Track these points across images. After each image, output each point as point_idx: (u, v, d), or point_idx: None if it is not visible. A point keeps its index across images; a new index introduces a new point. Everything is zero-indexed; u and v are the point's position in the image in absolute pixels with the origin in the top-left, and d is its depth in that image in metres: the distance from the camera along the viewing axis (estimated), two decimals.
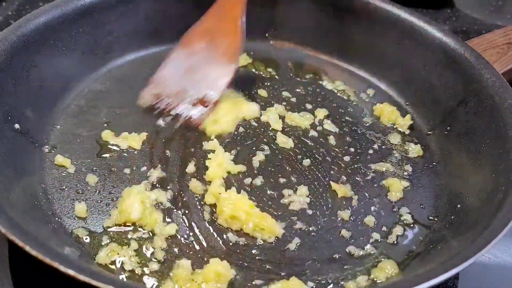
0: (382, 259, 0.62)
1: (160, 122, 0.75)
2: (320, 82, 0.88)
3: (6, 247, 0.61)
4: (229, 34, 0.79)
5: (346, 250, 0.63)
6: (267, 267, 0.60)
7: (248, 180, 0.69)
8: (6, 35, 0.70)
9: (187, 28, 0.89)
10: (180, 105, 0.76)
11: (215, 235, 0.62)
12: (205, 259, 0.59)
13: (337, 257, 0.62)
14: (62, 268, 0.46)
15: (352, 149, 0.76)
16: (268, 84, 0.87)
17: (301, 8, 0.91)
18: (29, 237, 0.50)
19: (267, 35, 0.94)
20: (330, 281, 0.59)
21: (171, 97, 0.76)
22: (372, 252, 0.63)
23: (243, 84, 0.85)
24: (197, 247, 0.61)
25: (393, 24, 0.85)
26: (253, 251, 0.61)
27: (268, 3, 0.92)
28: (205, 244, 0.61)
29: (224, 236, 0.62)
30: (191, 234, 0.62)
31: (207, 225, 0.63)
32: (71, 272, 0.46)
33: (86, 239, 0.60)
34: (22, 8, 1.04)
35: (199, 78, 0.78)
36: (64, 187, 0.66)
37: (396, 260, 0.62)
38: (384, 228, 0.66)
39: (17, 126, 0.67)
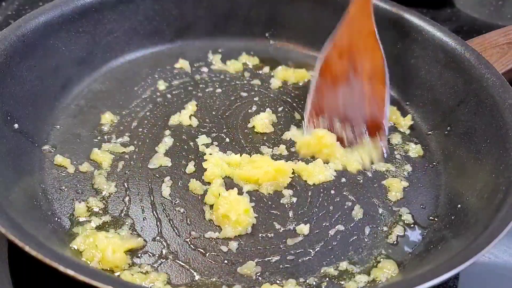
0: (382, 259, 0.62)
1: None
2: None
3: (6, 247, 0.61)
4: (367, 52, 0.75)
5: (346, 249, 0.63)
6: (265, 267, 0.60)
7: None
8: (6, 35, 0.70)
9: (187, 28, 0.90)
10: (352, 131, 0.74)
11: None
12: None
13: (337, 256, 0.62)
14: (61, 268, 0.46)
15: None
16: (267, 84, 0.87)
17: (301, 8, 0.91)
18: (28, 237, 0.50)
19: (267, 35, 0.94)
20: (330, 281, 0.59)
21: (333, 125, 0.74)
22: (372, 252, 0.63)
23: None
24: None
25: (393, 24, 0.84)
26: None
27: (268, 3, 0.92)
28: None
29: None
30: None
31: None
32: (70, 272, 0.46)
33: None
34: (22, 8, 1.04)
35: (357, 105, 0.74)
36: (63, 187, 0.66)
37: (396, 260, 0.62)
38: (384, 228, 0.66)
39: (16, 126, 0.67)
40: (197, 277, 0.58)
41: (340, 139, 0.73)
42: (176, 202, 0.66)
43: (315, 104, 0.75)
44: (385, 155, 0.74)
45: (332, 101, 0.75)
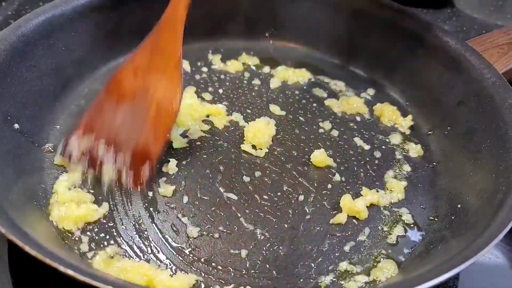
0: (382, 259, 0.62)
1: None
2: (320, 82, 0.88)
3: (5, 247, 0.61)
4: (165, 74, 0.67)
5: (346, 249, 0.63)
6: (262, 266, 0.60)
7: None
8: (6, 35, 0.70)
9: (187, 28, 0.90)
10: (114, 159, 0.64)
11: None
12: None
13: (337, 256, 0.62)
14: (61, 268, 0.46)
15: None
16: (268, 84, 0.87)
17: (301, 8, 0.91)
18: (28, 238, 0.50)
19: (267, 35, 0.94)
20: (329, 281, 0.59)
21: (102, 149, 0.64)
22: (372, 252, 0.63)
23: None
24: None
25: (393, 24, 0.85)
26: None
27: (268, 3, 0.92)
28: None
29: None
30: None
31: None
32: (70, 272, 0.46)
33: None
34: (22, 8, 1.04)
35: (134, 129, 0.65)
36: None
37: (396, 260, 0.62)
38: (384, 228, 0.66)
39: (16, 126, 0.67)
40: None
41: (93, 162, 0.65)
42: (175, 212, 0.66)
43: (88, 120, 0.66)
44: (131, 188, 0.65)
45: (108, 121, 0.65)
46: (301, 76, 0.88)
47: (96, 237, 0.61)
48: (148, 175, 0.65)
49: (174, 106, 0.67)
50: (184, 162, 0.71)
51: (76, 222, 0.61)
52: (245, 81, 0.87)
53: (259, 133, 0.74)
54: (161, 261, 0.59)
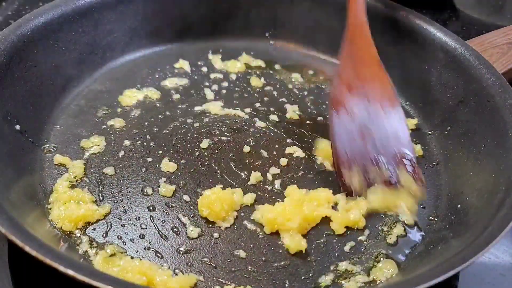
0: (382, 259, 0.62)
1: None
2: (320, 82, 0.88)
3: (6, 247, 0.61)
4: (374, 80, 0.71)
5: (346, 249, 0.63)
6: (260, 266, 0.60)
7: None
8: (6, 35, 0.70)
9: (187, 28, 0.90)
10: (389, 174, 0.66)
11: None
12: None
13: (337, 256, 0.62)
14: (61, 268, 0.46)
15: None
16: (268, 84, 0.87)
17: (301, 8, 0.91)
18: (28, 237, 0.50)
19: (267, 35, 0.94)
20: (330, 281, 0.59)
21: (368, 171, 0.66)
22: (372, 252, 0.63)
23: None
24: None
25: (393, 24, 0.85)
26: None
27: (268, 3, 0.92)
28: None
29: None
30: None
31: None
32: (70, 272, 0.46)
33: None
34: (22, 8, 1.04)
35: (379, 138, 0.67)
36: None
37: (396, 260, 0.62)
38: (384, 228, 0.66)
39: (17, 126, 0.67)
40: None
41: (385, 184, 0.66)
42: (173, 206, 0.66)
43: (342, 153, 0.67)
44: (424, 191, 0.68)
45: (357, 143, 0.67)
46: (301, 75, 0.88)
47: (96, 237, 0.61)
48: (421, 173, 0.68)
49: (395, 103, 0.70)
50: (183, 162, 0.71)
51: (76, 222, 0.61)
52: (245, 81, 0.87)
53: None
54: (161, 261, 0.59)
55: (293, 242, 0.61)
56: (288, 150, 0.74)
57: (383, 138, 0.67)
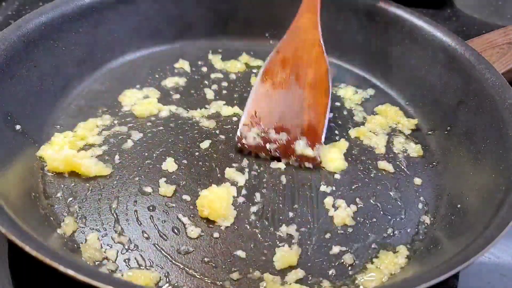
0: (382, 259, 0.62)
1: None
2: None
3: (6, 247, 0.61)
4: (311, 61, 0.74)
5: (345, 249, 0.63)
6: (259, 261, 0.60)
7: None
8: (6, 35, 0.70)
9: (187, 28, 0.90)
10: (293, 143, 0.71)
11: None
12: None
13: (337, 254, 0.62)
14: (62, 268, 0.46)
15: None
16: None
17: None
18: (28, 238, 0.50)
19: (267, 35, 0.94)
20: (329, 281, 0.59)
21: (275, 136, 0.71)
22: (372, 252, 0.63)
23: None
24: None
25: (393, 24, 0.85)
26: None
27: (268, 3, 0.92)
28: None
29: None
30: None
31: None
32: (70, 272, 0.46)
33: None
34: (22, 8, 1.04)
35: (296, 113, 0.72)
36: (63, 187, 0.66)
37: (396, 260, 0.62)
38: (384, 228, 0.66)
39: (17, 126, 0.67)
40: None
41: (272, 149, 0.71)
42: (171, 206, 0.66)
43: (252, 113, 0.73)
44: (319, 162, 0.71)
45: (270, 110, 0.73)
46: None
47: (96, 237, 0.61)
48: (320, 152, 0.71)
49: (325, 85, 0.73)
50: (184, 162, 0.71)
51: (66, 164, 0.65)
52: (245, 81, 0.87)
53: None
54: (161, 261, 0.59)
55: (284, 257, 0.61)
56: None
57: (294, 117, 0.72)
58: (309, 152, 0.70)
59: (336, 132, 0.78)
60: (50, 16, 0.75)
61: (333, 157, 0.73)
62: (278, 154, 0.71)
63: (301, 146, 0.70)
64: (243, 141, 0.71)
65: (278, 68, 0.75)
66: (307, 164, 0.70)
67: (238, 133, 0.72)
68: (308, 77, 0.74)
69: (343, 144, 0.75)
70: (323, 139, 0.72)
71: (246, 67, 0.89)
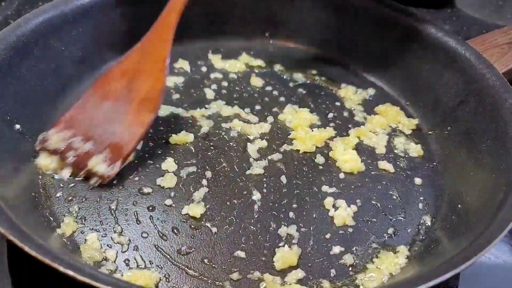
0: (382, 259, 0.62)
1: (63, 174, 0.66)
2: (320, 82, 0.88)
3: (5, 247, 0.61)
4: (151, 76, 0.70)
5: (345, 249, 0.62)
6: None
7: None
8: (5, 35, 0.70)
9: (186, 28, 0.90)
10: (90, 157, 0.66)
11: None
12: None
13: (337, 254, 0.62)
14: (61, 268, 0.46)
15: None
16: (268, 84, 0.87)
17: (301, 8, 0.91)
18: (28, 238, 0.49)
19: (266, 34, 0.94)
20: (329, 282, 0.59)
21: (79, 144, 0.67)
22: (371, 252, 0.63)
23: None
24: None
25: (393, 24, 0.85)
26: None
27: (268, 2, 0.91)
28: None
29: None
30: None
31: None
32: (70, 272, 0.46)
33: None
34: (22, 8, 1.04)
35: (113, 126, 0.68)
36: (64, 187, 0.66)
37: (396, 260, 0.62)
38: (384, 228, 0.65)
39: (17, 126, 0.67)
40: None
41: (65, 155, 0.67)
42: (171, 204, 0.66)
43: (70, 116, 0.69)
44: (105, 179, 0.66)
45: (89, 118, 0.69)
46: (301, 75, 0.88)
47: (96, 237, 0.61)
48: (116, 172, 0.66)
49: (154, 103, 0.70)
50: (184, 161, 0.71)
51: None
52: (245, 81, 0.86)
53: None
54: (161, 262, 0.59)
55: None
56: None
57: (108, 130, 0.68)
58: (100, 168, 0.66)
59: (336, 132, 0.78)
60: (50, 16, 0.75)
61: (349, 158, 0.73)
62: (70, 165, 0.66)
63: (95, 161, 0.66)
64: (45, 143, 0.67)
65: (116, 77, 0.71)
66: (92, 181, 0.66)
67: (41, 136, 0.68)
68: (141, 92, 0.70)
69: (352, 140, 0.76)
70: (127, 158, 0.68)
71: (246, 67, 0.89)
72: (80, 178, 0.66)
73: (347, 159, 0.72)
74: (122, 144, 0.67)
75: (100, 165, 0.66)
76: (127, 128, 0.68)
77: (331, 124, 0.79)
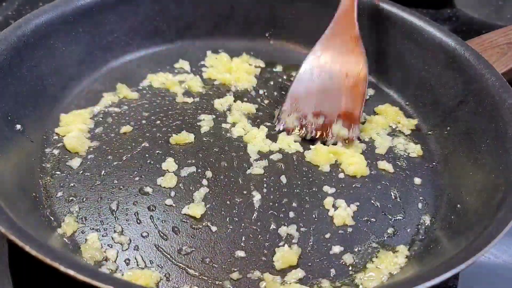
0: (382, 259, 0.62)
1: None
2: None
3: (6, 247, 0.61)
4: (349, 50, 0.79)
5: (345, 249, 0.63)
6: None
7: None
8: (6, 35, 0.70)
9: (187, 28, 0.90)
10: (330, 126, 0.76)
11: None
12: None
13: (337, 254, 0.62)
14: (62, 268, 0.46)
15: None
16: (268, 84, 0.87)
17: (301, 8, 0.91)
18: (29, 237, 0.49)
19: (267, 35, 0.94)
20: (328, 282, 0.59)
21: (313, 120, 0.76)
22: (371, 252, 0.63)
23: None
24: None
25: (393, 24, 0.85)
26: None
27: (268, 3, 0.92)
28: None
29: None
30: None
31: None
32: (71, 272, 0.46)
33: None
34: (22, 8, 1.04)
35: (335, 97, 0.77)
36: (64, 187, 0.66)
37: (396, 260, 0.62)
38: (384, 228, 0.66)
39: (17, 126, 0.67)
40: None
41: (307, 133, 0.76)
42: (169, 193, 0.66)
43: (293, 99, 0.78)
44: (357, 142, 0.76)
45: (309, 96, 0.77)
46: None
47: (96, 237, 0.61)
48: (358, 134, 0.76)
49: (362, 74, 0.78)
50: (184, 161, 0.71)
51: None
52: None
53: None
54: (161, 261, 0.59)
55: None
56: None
57: (333, 102, 0.77)
58: (344, 132, 0.75)
59: None
60: (50, 16, 0.75)
61: (354, 161, 0.73)
62: (313, 136, 0.76)
63: (337, 128, 0.75)
64: (282, 126, 0.77)
65: (320, 58, 0.79)
66: (340, 144, 0.75)
67: (276, 118, 0.78)
68: (346, 66, 0.78)
69: (360, 145, 0.77)
70: (360, 120, 0.77)
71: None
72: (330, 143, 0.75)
73: (352, 162, 0.72)
74: (351, 111, 0.76)
75: (343, 130, 0.75)
76: (348, 96, 0.77)
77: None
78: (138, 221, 0.63)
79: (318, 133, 0.76)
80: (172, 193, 0.67)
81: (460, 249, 0.54)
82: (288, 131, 0.77)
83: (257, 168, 0.71)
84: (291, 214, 0.66)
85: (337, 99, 0.77)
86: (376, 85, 0.88)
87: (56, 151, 0.70)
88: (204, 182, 0.69)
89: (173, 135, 0.74)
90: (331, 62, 0.79)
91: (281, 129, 0.77)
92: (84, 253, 0.58)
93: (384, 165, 0.74)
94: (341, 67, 0.78)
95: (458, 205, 0.66)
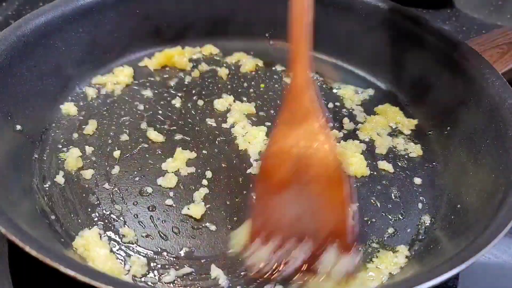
0: (381, 259, 0.62)
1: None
2: (320, 82, 0.88)
3: (6, 247, 0.61)
4: (316, 140, 0.58)
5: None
6: None
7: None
8: (6, 35, 0.70)
9: (187, 28, 0.90)
10: (319, 256, 0.56)
11: None
12: None
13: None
14: (62, 268, 0.46)
15: None
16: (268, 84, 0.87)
17: None
18: (29, 238, 0.49)
19: (267, 35, 0.94)
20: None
21: (294, 248, 0.57)
22: (371, 252, 0.63)
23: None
24: None
25: (393, 24, 0.85)
26: None
27: (268, 3, 0.92)
28: None
29: None
30: None
31: None
32: (71, 272, 0.46)
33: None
34: (22, 8, 1.04)
35: (313, 215, 0.57)
36: (64, 187, 0.66)
37: (396, 260, 0.62)
38: (384, 228, 0.66)
39: (17, 126, 0.68)
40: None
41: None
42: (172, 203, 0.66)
43: (261, 224, 0.58)
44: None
45: (281, 215, 0.58)
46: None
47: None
48: (360, 258, 0.59)
49: (340, 172, 0.58)
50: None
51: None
52: (245, 81, 0.87)
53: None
54: (161, 261, 0.59)
55: None
56: None
57: (312, 220, 0.57)
58: (343, 263, 0.56)
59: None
60: (50, 16, 0.75)
61: (354, 161, 0.72)
62: (302, 277, 0.56)
63: (330, 258, 0.56)
64: (254, 272, 0.57)
65: (279, 162, 0.59)
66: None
67: (248, 262, 0.58)
68: (316, 168, 0.58)
69: (361, 145, 0.76)
70: (353, 236, 0.58)
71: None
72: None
73: (352, 162, 0.72)
74: (339, 227, 0.56)
75: (343, 260, 0.56)
76: (328, 208, 0.57)
77: (330, 124, 0.79)
78: (139, 221, 0.63)
79: (306, 268, 0.56)
80: (172, 193, 0.67)
81: (460, 249, 0.54)
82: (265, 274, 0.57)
83: (257, 168, 0.71)
84: None
85: (314, 216, 0.57)
86: (376, 85, 0.88)
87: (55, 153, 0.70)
88: (204, 182, 0.69)
89: (173, 135, 0.74)
90: (294, 164, 0.58)
91: (253, 275, 0.57)
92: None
93: (384, 165, 0.74)
94: (308, 167, 0.57)
95: (458, 205, 0.66)
